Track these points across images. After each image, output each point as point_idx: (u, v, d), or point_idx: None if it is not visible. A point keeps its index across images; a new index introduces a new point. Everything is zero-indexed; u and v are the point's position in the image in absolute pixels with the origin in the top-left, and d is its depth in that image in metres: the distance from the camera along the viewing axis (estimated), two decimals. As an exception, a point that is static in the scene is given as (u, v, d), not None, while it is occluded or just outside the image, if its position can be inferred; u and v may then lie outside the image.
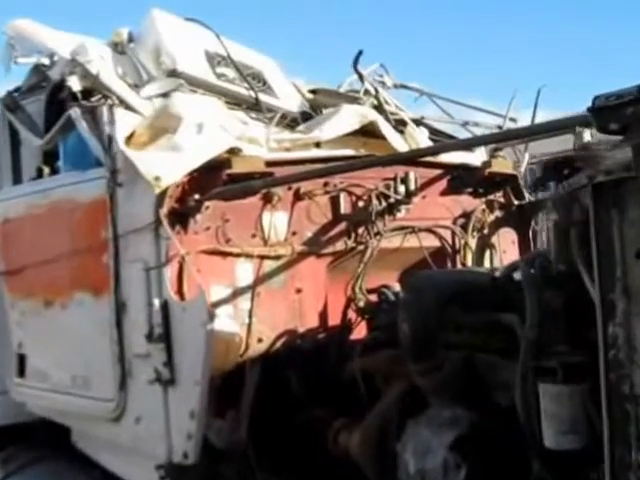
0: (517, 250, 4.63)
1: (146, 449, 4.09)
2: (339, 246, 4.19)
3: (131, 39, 4.65)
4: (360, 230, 4.21)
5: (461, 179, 4.48)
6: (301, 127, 4.45)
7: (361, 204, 4.21)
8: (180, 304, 3.79)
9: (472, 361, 3.24)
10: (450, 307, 3.23)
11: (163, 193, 3.81)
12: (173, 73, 4.43)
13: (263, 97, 4.66)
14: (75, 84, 4.32)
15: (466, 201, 4.53)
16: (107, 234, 4.14)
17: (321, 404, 3.97)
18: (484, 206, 4.52)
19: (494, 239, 4.56)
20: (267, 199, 4.01)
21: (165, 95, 4.38)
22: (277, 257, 4.04)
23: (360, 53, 4.49)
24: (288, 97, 4.88)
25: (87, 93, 4.29)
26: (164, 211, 3.78)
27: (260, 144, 4.13)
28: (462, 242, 4.45)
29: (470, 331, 3.22)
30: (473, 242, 4.46)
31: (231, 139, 4.00)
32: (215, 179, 3.90)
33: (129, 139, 4.05)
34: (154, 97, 4.38)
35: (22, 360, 4.81)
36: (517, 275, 3.15)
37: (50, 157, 4.79)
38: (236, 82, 4.68)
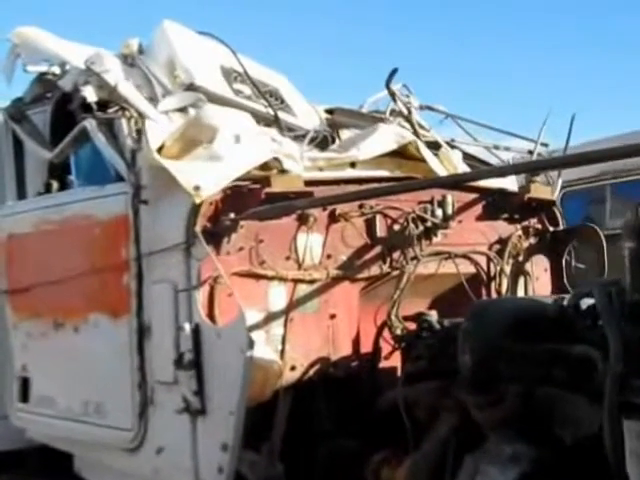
0: (549, 278, 4.53)
1: None
2: (374, 271, 4.03)
3: (141, 51, 4.47)
4: (395, 255, 4.06)
5: (497, 204, 4.36)
6: (334, 146, 4.31)
7: (397, 227, 4.07)
8: (214, 329, 3.57)
9: (534, 394, 3.11)
10: (514, 337, 3.09)
11: (196, 211, 3.63)
12: (190, 87, 4.26)
13: (282, 115, 4.51)
14: (90, 94, 4.13)
15: (501, 227, 4.42)
16: (128, 253, 3.92)
17: (355, 435, 3.80)
18: (520, 232, 4.41)
19: (527, 266, 4.45)
20: (302, 220, 3.84)
21: (182, 110, 4.21)
22: (312, 281, 3.87)
23: (395, 71, 4.35)
24: (306, 116, 4.74)
25: (100, 104, 4.10)
26: (199, 229, 3.59)
27: (296, 161, 3.97)
28: (498, 269, 4.33)
29: (534, 362, 3.08)
30: (508, 269, 4.34)
31: (269, 151, 3.83)
32: (250, 198, 3.72)
33: (159, 151, 3.85)
34: (171, 111, 4.20)
35: (25, 384, 4.54)
36: (583, 303, 3.04)
37: (56, 170, 4.57)
38: (253, 99, 4.52)
